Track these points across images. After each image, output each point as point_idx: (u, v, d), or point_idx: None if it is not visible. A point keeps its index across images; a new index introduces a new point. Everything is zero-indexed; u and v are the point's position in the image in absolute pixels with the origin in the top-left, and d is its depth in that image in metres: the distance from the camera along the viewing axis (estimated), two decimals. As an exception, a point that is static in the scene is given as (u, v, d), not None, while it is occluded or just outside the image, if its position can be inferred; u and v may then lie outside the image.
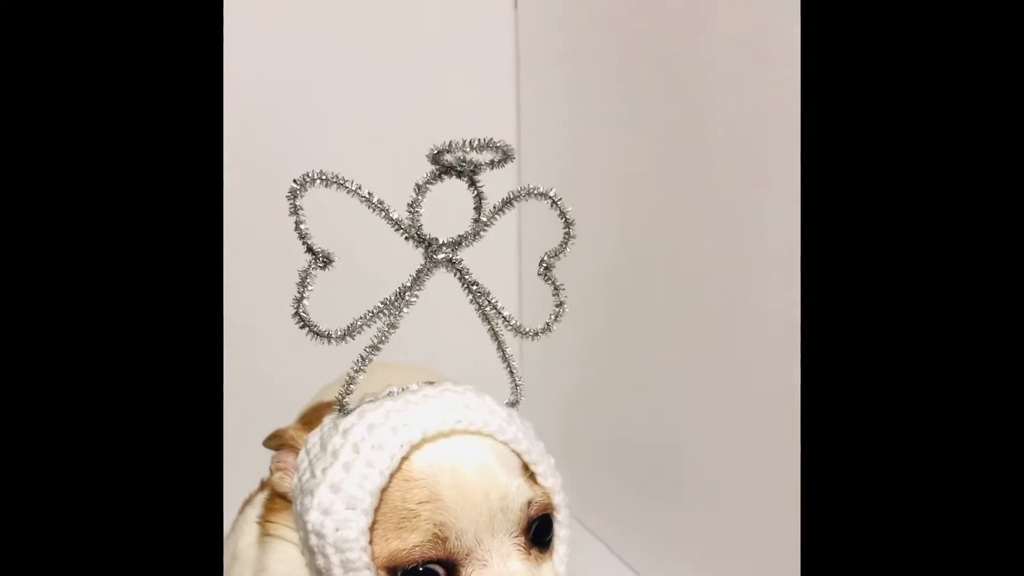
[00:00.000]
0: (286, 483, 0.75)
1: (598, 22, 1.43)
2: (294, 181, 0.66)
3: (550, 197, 0.73)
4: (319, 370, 1.48)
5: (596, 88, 1.45)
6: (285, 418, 1.46)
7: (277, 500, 0.77)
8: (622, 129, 1.39)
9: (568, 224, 0.74)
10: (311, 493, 0.67)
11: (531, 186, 0.74)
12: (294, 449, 0.76)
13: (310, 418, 0.89)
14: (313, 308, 0.70)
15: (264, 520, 0.78)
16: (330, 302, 0.74)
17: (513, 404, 0.77)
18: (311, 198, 0.71)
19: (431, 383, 0.76)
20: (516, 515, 0.68)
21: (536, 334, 0.76)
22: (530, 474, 0.71)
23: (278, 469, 0.77)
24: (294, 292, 0.68)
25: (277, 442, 0.78)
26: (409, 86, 1.57)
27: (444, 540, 0.65)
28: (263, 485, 0.95)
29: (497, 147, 0.68)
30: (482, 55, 1.64)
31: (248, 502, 0.95)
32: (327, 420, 0.74)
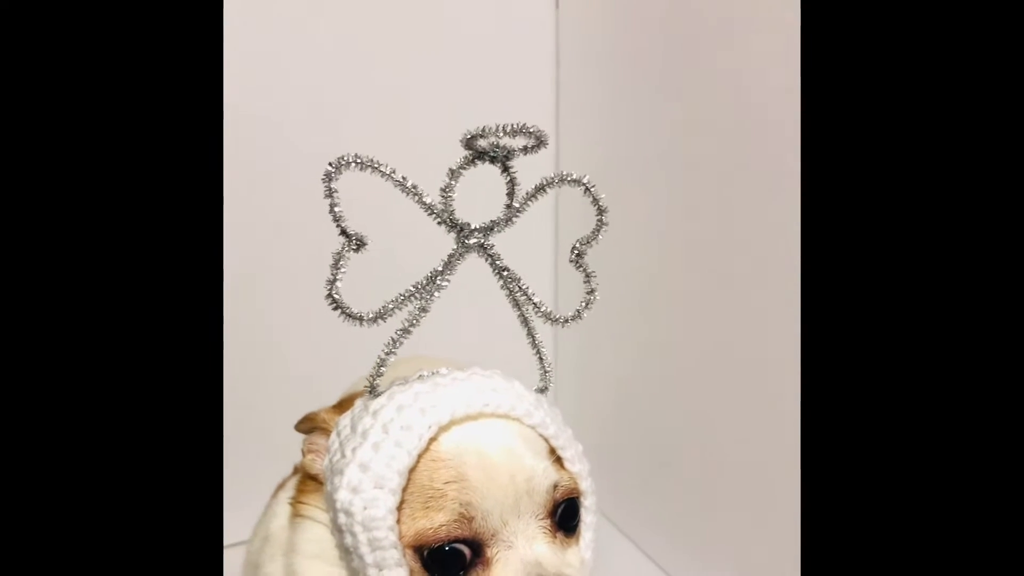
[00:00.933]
0: (317, 464, 0.76)
1: (637, 22, 1.43)
2: (329, 164, 0.67)
3: (583, 183, 0.73)
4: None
5: (634, 86, 1.45)
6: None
7: (308, 482, 0.78)
8: (658, 125, 1.39)
9: (601, 211, 0.74)
10: (341, 472, 0.68)
11: (564, 172, 0.74)
12: (326, 431, 0.77)
13: (343, 404, 0.90)
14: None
15: (296, 501, 0.79)
16: (353, 286, 0.74)
17: (542, 390, 0.78)
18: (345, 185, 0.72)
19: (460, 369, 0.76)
20: (542, 497, 0.68)
21: (566, 321, 0.76)
22: (557, 459, 0.72)
23: (309, 451, 0.78)
24: (327, 275, 0.69)
25: (309, 425, 0.79)
26: (451, 83, 1.58)
27: (470, 520, 0.65)
28: (296, 470, 0.97)
29: (530, 132, 0.68)
30: (523, 54, 1.65)
31: (281, 486, 0.97)
32: (358, 402, 0.75)
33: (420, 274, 0.73)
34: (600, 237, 0.76)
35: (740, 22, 1.16)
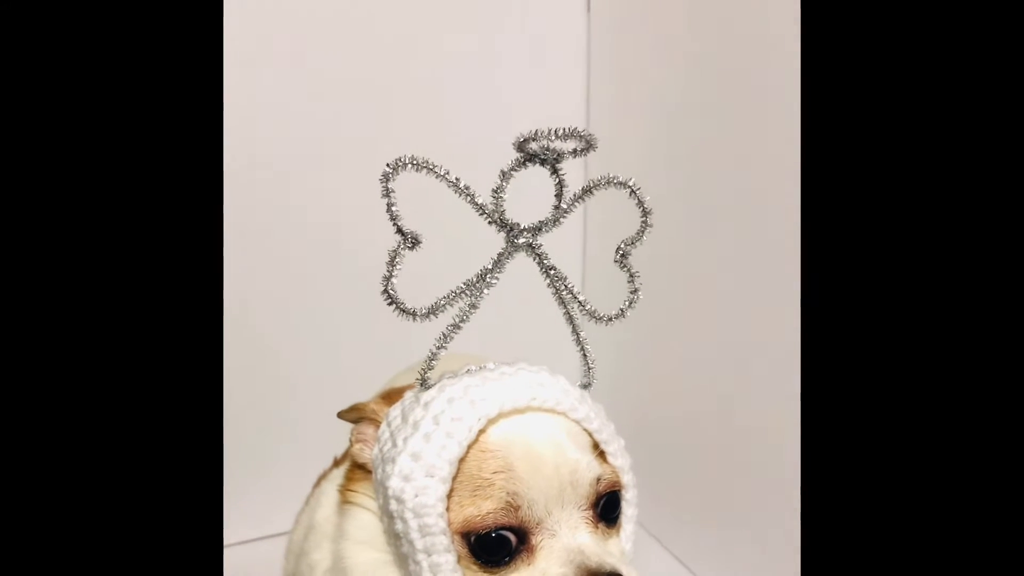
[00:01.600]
0: (366, 453, 0.79)
1: (668, 26, 1.44)
2: (387, 165, 0.70)
3: (629, 186, 0.76)
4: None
5: (664, 89, 1.47)
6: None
7: (357, 470, 0.81)
8: (688, 128, 1.40)
9: (646, 213, 0.76)
10: (392, 461, 0.71)
11: (611, 175, 0.76)
12: (374, 422, 0.80)
13: (387, 396, 0.93)
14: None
15: (344, 488, 0.82)
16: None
17: (586, 386, 0.80)
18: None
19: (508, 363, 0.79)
20: (585, 490, 0.70)
21: (610, 319, 0.79)
22: (600, 452, 0.74)
23: (358, 441, 0.81)
24: (383, 271, 0.72)
25: (357, 415, 0.82)
26: (482, 85, 1.61)
27: (516, 508, 0.68)
28: (336, 462, 1.00)
29: (580, 136, 0.70)
30: (555, 57, 1.68)
31: (324, 477, 1.00)
32: (409, 394, 0.78)
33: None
34: (644, 238, 0.78)
35: (771, 26, 1.17)
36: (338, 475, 0.88)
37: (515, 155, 0.72)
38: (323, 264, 1.53)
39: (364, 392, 1.15)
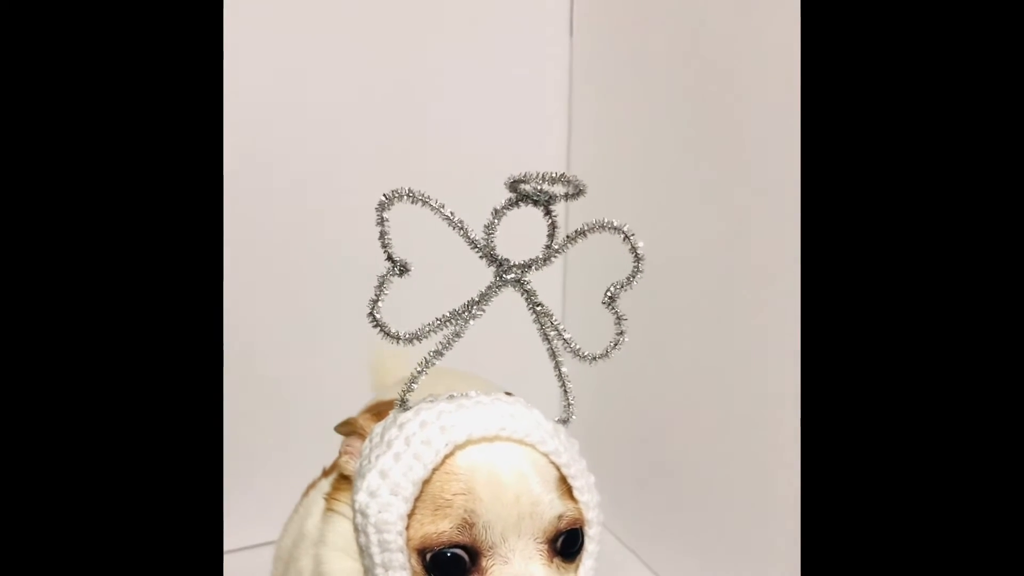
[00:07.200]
0: (350, 466, 0.82)
1: (650, 51, 1.47)
2: (383, 195, 0.73)
3: (623, 231, 0.77)
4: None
5: (646, 114, 1.49)
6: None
7: (343, 481, 0.84)
8: (670, 153, 1.42)
9: (638, 259, 0.78)
10: (363, 476, 0.74)
11: (605, 220, 0.78)
12: (361, 436, 0.83)
13: (374, 411, 0.96)
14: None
15: (329, 497, 0.85)
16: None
17: (564, 421, 0.82)
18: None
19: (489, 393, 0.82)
20: (544, 524, 0.72)
21: (594, 359, 0.81)
22: (567, 488, 0.76)
23: (345, 453, 0.84)
24: (370, 294, 0.75)
25: (348, 428, 0.85)
26: (461, 112, 1.64)
27: (471, 526, 0.70)
28: (325, 472, 1.04)
29: (569, 181, 0.73)
30: (537, 81, 1.71)
31: (313, 486, 1.04)
32: (391, 413, 0.81)
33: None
34: (635, 283, 0.80)
35: (755, 52, 1.19)
36: (326, 484, 0.92)
37: (507, 194, 0.75)
38: (319, 278, 1.57)
39: (361, 401, 1.18)
